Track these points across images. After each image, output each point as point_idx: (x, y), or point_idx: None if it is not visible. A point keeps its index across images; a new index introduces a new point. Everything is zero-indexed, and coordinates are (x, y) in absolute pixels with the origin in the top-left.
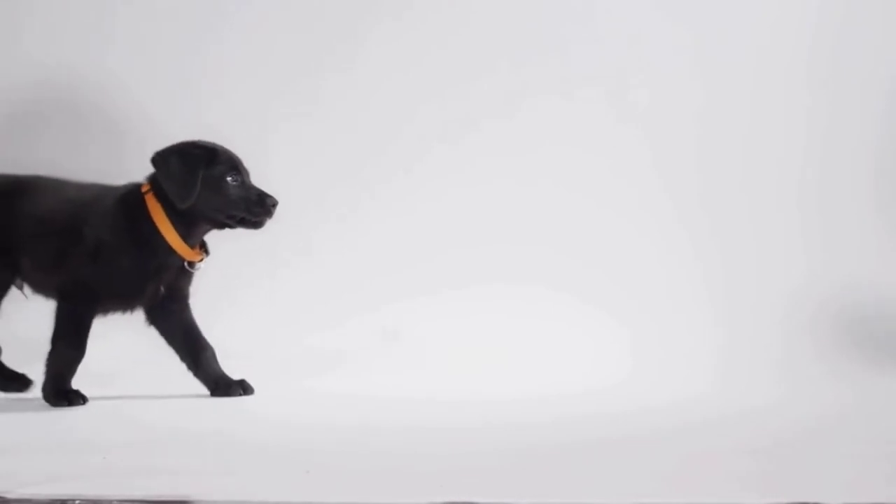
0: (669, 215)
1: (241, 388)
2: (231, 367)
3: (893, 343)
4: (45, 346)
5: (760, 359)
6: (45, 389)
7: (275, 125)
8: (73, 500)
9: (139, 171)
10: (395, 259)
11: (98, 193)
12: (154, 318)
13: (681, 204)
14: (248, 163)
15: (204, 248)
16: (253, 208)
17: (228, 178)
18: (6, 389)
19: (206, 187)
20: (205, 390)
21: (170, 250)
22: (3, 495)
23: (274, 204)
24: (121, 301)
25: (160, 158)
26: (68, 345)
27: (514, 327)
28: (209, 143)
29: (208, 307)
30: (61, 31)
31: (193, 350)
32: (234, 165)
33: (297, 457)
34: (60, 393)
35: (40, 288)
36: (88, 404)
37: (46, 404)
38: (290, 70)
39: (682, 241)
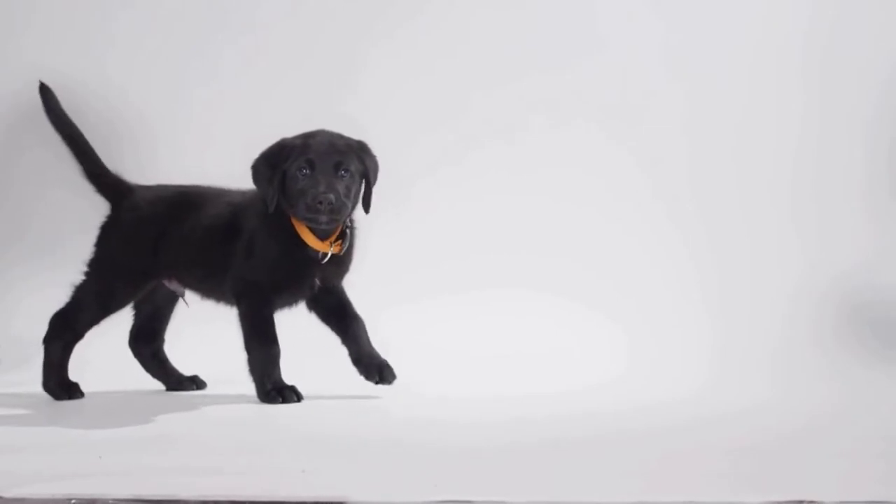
0: (663, 216)
1: (379, 374)
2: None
3: (888, 342)
4: (42, 347)
5: (755, 357)
6: (258, 392)
7: (276, 133)
8: (70, 500)
9: (136, 173)
10: (399, 264)
11: (255, 194)
12: (311, 306)
13: (675, 204)
14: (245, 172)
15: (342, 239)
16: (311, 206)
17: (299, 173)
18: (180, 388)
19: (282, 184)
20: (201, 389)
21: (301, 240)
22: (0, 494)
23: (321, 202)
24: (283, 291)
25: (253, 166)
26: (261, 344)
27: (514, 328)
28: (301, 135)
29: (212, 315)
30: (60, 35)
31: (343, 325)
32: (307, 158)
33: (294, 455)
34: (274, 391)
35: (211, 294)
36: (85, 404)
37: (42, 404)
38: (292, 77)
39: (677, 242)
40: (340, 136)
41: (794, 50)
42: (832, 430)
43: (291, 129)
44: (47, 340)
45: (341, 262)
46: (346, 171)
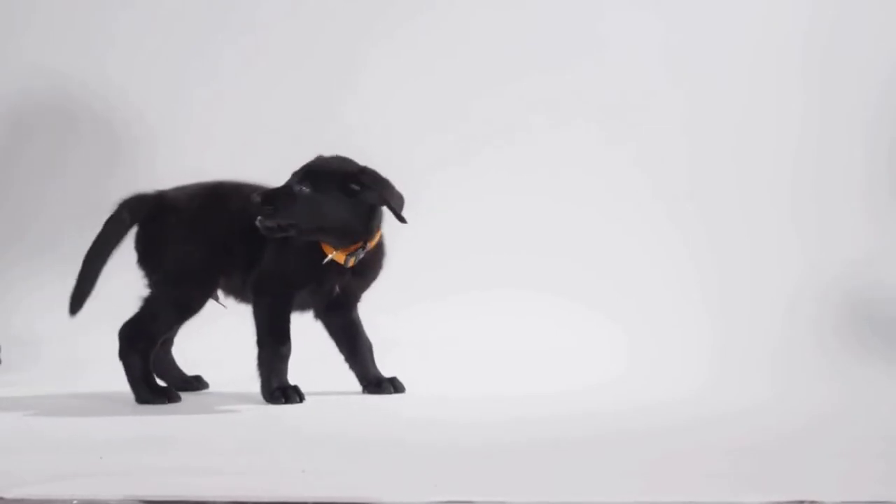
0: (663, 216)
1: (392, 385)
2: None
3: (888, 341)
4: (42, 347)
5: (755, 357)
6: (262, 389)
7: (276, 136)
8: (71, 501)
9: (134, 174)
10: (399, 265)
11: None
12: (321, 314)
13: (675, 204)
14: (246, 176)
15: (355, 254)
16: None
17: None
18: (183, 388)
19: None
20: (204, 389)
21: (319, 245)
22: (0, 495)
23: (253, 203)
24: (303, 289)
25: None
26: (273, 341)
27: (514, 328)
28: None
29: (212, 316)
30: (60, 35)
31: (351, 346)
32: (294, 171)
33: (295, 455)
34: (278, 390)
35: (237, 290)
36: (85, 404)
37: (42, 404)
38: (292, 77)
39: (677, 242)
40: (333, 159)
41: (794, 50)
42: (832, 430)
43: (291, 129)
44: (123, 355)
45: (363, 275)
46: (306, 186)
